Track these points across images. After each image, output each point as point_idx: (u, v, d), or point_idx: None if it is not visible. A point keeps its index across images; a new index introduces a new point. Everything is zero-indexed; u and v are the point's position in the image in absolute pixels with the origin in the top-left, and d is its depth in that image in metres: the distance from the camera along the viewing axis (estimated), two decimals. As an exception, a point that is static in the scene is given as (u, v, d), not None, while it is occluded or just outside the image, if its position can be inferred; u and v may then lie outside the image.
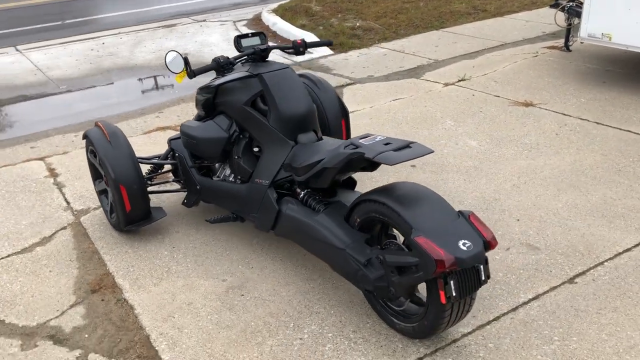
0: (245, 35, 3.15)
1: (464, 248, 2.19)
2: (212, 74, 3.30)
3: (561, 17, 6.19)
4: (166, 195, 3.82)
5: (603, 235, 3.16)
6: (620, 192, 3.56)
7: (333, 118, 3.79)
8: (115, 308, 2.89)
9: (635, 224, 3.24)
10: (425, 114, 4.97)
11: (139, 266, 3.18)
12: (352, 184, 3.05)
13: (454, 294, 2.21)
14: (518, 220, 3.36)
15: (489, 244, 2.24)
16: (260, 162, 3.03)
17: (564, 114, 4.74)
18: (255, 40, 3.16)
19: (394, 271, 2.34)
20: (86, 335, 2.72)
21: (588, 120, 4.60)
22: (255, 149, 3.11)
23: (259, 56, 3.09)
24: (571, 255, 3.02)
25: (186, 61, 3.02)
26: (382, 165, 2.50)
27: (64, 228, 3.61)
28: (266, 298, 2.86)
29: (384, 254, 2.37)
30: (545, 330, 2.54)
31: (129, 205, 3.24)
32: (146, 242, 3.38)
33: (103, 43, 8.28)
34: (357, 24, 7.89)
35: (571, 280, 2.84)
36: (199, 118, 3.37)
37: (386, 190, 2.45)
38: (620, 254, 3.01)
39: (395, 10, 8.47)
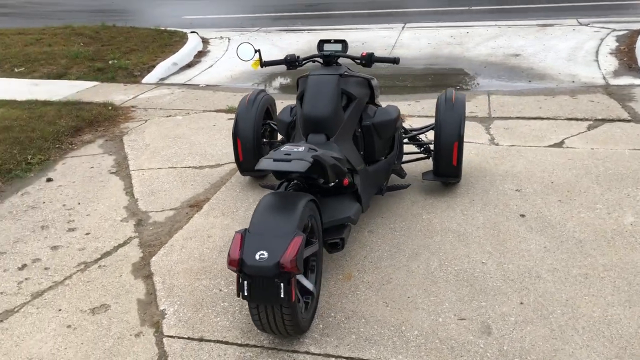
0: (328, 41, 3.53)
1: (257, 257, 2.38)
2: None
3: None
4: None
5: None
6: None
7: (445, 138, 3.80)
8: (182, 220, 3.89)
9: (640, 372, 2.40)
10: (632, 175, 4.10)
11: (226, 202, 4.08)
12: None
13: (245, 294, 2.43)
14: (521, 303, 2.86)
15: (282, 265, 2.35)
16: None
17: None
18: (337, 47, 3.51)
19: None
20: (150, 228, 3.83)
21: None
22: (297, 137, 3.55)
23: (324, 60, 3.46)
24: (508, 356, 2.53)
25: (259, 52, 3.61)
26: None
27: (232, 162, 4.74)
28: (247, 256, 3.41)
29: None
30: (364, 391, 2.42)
31: (241, 156, 4.12)
32: (249, 190, 4.23)
33: (467, 32, 8.84)
34: None
35: (462, 374, 2.47)
36: None
37: (272, 195, 2.72)
38: (560, 385, 2.38)
39: None
